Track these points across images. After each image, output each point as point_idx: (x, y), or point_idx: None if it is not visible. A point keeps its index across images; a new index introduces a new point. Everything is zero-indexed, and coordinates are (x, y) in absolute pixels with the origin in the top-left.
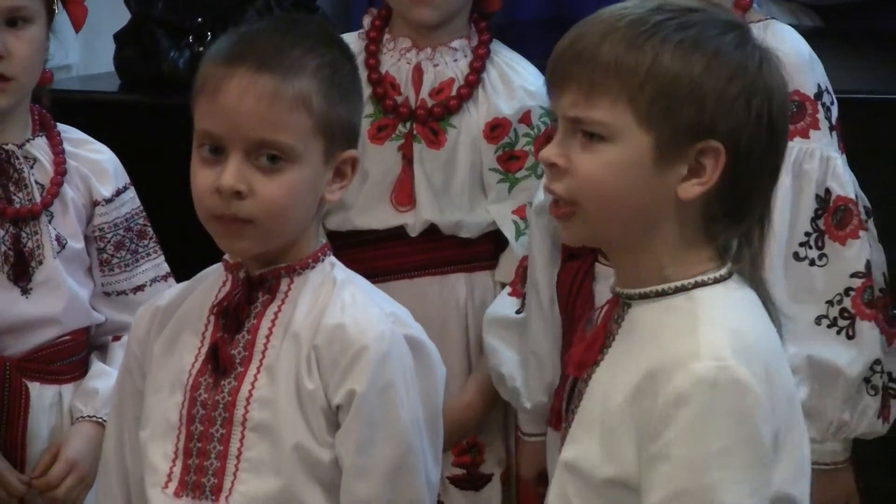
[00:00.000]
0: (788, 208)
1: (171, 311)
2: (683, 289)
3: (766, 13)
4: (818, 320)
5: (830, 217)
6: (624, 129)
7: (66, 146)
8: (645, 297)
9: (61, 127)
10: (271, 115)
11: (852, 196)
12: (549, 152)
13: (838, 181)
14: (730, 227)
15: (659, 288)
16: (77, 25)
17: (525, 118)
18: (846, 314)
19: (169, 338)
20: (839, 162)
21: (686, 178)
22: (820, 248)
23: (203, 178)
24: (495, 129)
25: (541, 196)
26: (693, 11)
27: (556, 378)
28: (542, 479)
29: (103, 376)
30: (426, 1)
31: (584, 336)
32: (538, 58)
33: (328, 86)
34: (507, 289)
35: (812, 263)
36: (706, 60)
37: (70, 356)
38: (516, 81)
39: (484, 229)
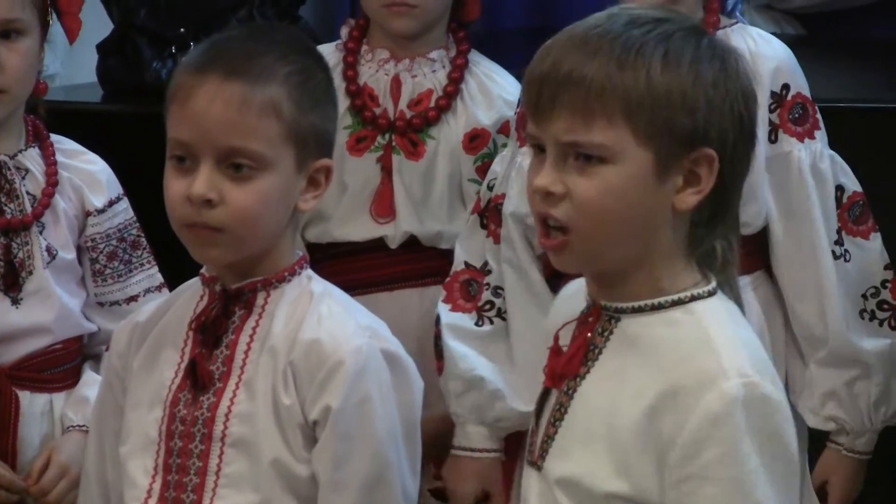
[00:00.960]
0: (819, 209)
1: (151, 326)
2: (680, 302)
3: (747, 21)
4: (861, 314)
5: (846, 213)
6: (624, 149)
7: (59, 157)
8: (639, 310)
9: (55, 138)
10: (240, 122)
11: (861, 190)
12: (545, 180)
13: (849, 178)
14: (710, 231)
15: (655, 301)
16: (71, 37)
17: (504, 128)
18: (886, 306)
19: (149, 353)
20: (841, 159)
21: (682, 189)
22: (841, 245)
23: (175, 187)
24: (474, 139)
25: (517, 204)
26: (663, 21)
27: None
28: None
29: (94, 384)
30: (404, 11)
31: (558, 347)
32: (521, 67)
33: (300, 93)
34: (446, 305)
35: (844, 260)
36: (693, 70)
37: (61, 364)
38: (495, 91)
39: None
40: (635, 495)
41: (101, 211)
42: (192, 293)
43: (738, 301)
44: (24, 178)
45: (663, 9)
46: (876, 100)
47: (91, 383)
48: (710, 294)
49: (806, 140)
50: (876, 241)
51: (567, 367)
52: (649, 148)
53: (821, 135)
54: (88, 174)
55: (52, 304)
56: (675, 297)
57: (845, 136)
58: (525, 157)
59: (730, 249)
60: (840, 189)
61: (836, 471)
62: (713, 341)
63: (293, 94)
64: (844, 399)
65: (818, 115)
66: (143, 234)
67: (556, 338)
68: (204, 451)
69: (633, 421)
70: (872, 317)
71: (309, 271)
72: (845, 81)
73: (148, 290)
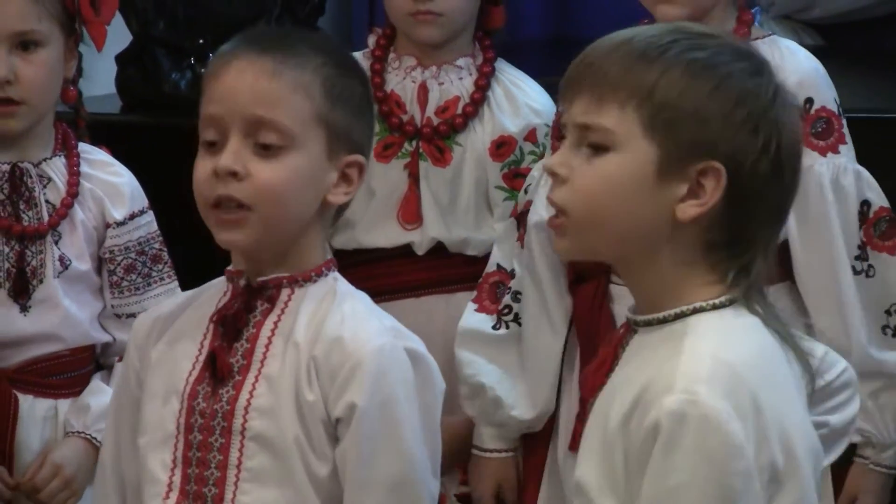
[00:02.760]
0: (838, 224)
1: (171, 320)
2: (682, 315)
3: (768, 31)
4: (884, 330)
5: (871, 228)
6: (629, 138)
7: (84, 167)
8: (649, 324)
9: (85, 148)
10: (269, 92)
11: (888, 206)
12: (552, 161)
13: (876, 192)
14: (732, 257)
15: (661, 315)
16: (98, 45)
17: (530, 136)
18: None
19: (167, 345)
20: (868, 173)
21: (684, 199)
22: (865, 260)
23: (202, 166)
24: (501, 146)
25: (539, 211)
26: (709, 37)
27: (551, 398)
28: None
29: (98, 393)
30: (430, 20)
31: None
32: (540, 76)
33: (331, 83)
34: (473, 305)
35: (866, 276)
36: (715, 81)
37: (67, 371)
38: (521, 99)
39: (490, 247)
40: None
41: (121, 223)
42: (216, 290)
43: (765, 314)
44: (45, 186)
45: (716, 30)
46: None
47: (96, 392)
48: (716, 307)
49: (829, 154)
50: None
51: (594, 379)
52: (653, 142)
53: (846, 149)
54: (112, 186)
55: (59, 313)
56: (679, 310)
57: (865, 147)
58: None
59: (745, 276)
60: (866, 204)
61: (864, 486)
62: (681, 354)
63: (325, 83)
64: (870, 410)
65: (844, 130)
66: (165, 249)
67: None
68: (224, 445)
69: (612, 429)
70: (895, 333)
71: (336, 274)
72: (864, 92)
73: None
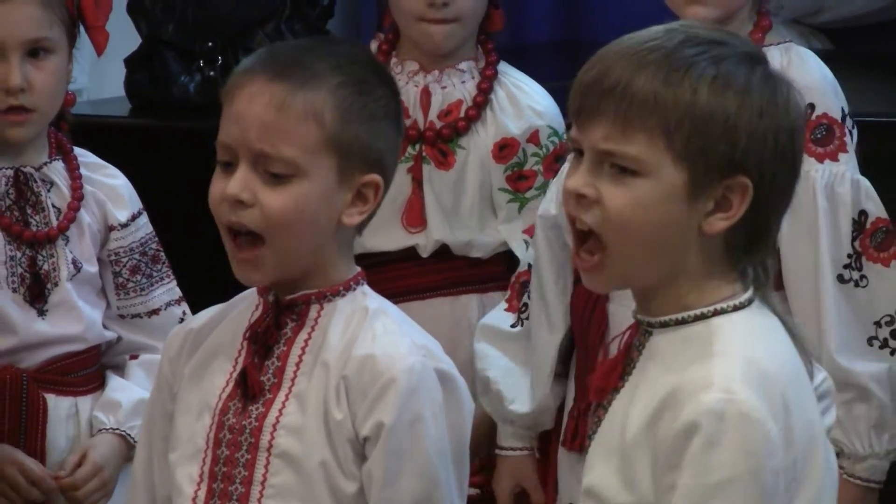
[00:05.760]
0: (827, 232)
1: (205, 334)
2: (703, 317)
3: (785, 38)
4: (870, 342)
5: (868, 239)
6: (659, 166)
7: (83, 171)
8: (665, 325)
9: (77, 151)
10: (276, 125)
11: (887, 217)
12: (578, 182)
13: (875, 203)
14: (750, 254)
15: (679, 316)
16: (99, 50)
17: (533, 137)
18: None
19: (201, 361)
20: (869, 184)
21: (711, 213)
22: (859, 270)
23: (216, 187)
24: (504, 148)
25: (548, 206)
26: (720, 44)
27: (551, 394)
28: (521, 498)
29: (125, 389)
30: (439, 30)
31: (605, 361)
32: (548, 80)
33: (348, 104)
34: (503, 304)
35: (856, 285)
36: (740, 98)
37: (83, 369)
38: (524, 101)
39: (495, 249)
40: None
41: (124, 225)
42: (248, 303)
43: (786, 320)
44: (49, 190)
45: (722, 31)
46: None
47: (120, 388)
48: (737, 308)
49: (826, 161)
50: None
51: (606, 381)
52: (684, 168)
53: (846, 158)
54: (111, 188)
55: (77, 316)
56: (699, 311)
57: (872, 151)
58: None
59: (764, 272)
60: (864, 214)
61: (840, 499)
62: (713, 353)
63: (341, 105)
64: (843, 421)
65: (847, 139)
66: (161, 249)
67: (605, 351)
68: (250, 461)
69: (638, 431)
70: (884, 345)
71: (365, 287)
72: (872, 96)
73: (169, 304)
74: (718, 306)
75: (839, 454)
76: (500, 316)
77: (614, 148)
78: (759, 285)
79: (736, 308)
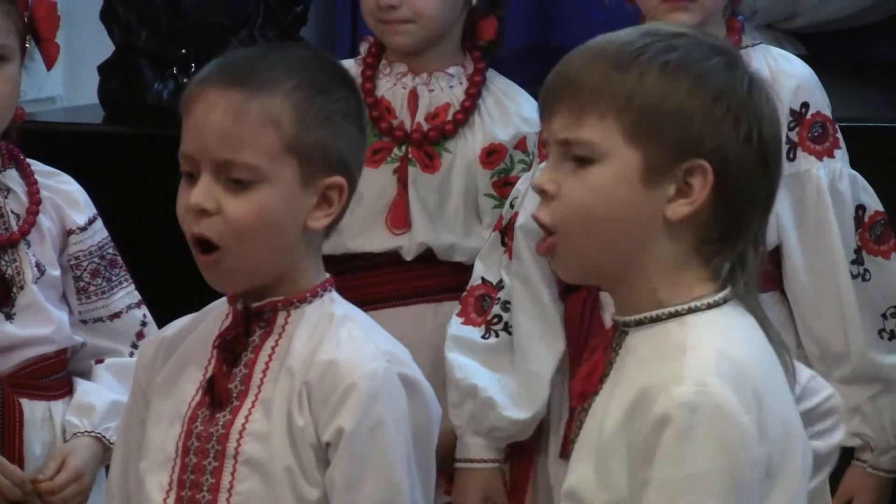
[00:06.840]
0: (837, 228)
1: (178, 342)
2: (677, 314)
3: (756, 40)
4: (880, 334)
5: (868, 233)
6: (611, 148)
7: (38, 177)
8: (640, 323)
9: (28, 160)
10: (234, 132)
11: (883, 209)
12: (540, 180)
13: (870, 196)
14: (723, 249)
15: (654, 314)
16: (49, 63)
17: (521, 144)
18: None
19: (173, 369)
20: (862, 177)
21: (674, 199)
22: (862, 264)
23: (181, 199)
24: (491, 154)
25: (527, 217)
26: (681, 36)
27: (545, 402)
28: None
29: (96, 392)
30: (397, 28)
31: (583, 365)
32: (525, 85)
33: (305, 107)
34: (459, 318)
35: (862, 279)
36: (692, 80)
37: (55, 373)
38: (511, 109)
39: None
40: None
41: (83, 229)
42: (219, 312)
43: (761, 317)
44: (6, 197)
45: (694, 29)
46: (878, 119)
47: (91, 391)
48: (710, 307)
49: (825, 159)
50: None
51: (585, 385)
52: (637, 149)
53: (841, 154)
54: (66, 193)
55: (46, 317)
56: (673, 309)
57: (848, 155)
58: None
59: (742, 269)
60: (861, 208)
61: (861, 489)
62: (685, 349)
63: (298, 108)
64: (869, 415)
65: (839, 135)
66: (118, 254)
67: (587, 358)
68: (217, 468)
69: (613, 429)
70: (892, 336)
71: (333, 294)
72: (847, 101)
73: (130, 307)
74: (692, 304)
75: (864, 448)
76: (466, 329)
77: (570, 136)
78: (735, 283)
79: (710, 306)
